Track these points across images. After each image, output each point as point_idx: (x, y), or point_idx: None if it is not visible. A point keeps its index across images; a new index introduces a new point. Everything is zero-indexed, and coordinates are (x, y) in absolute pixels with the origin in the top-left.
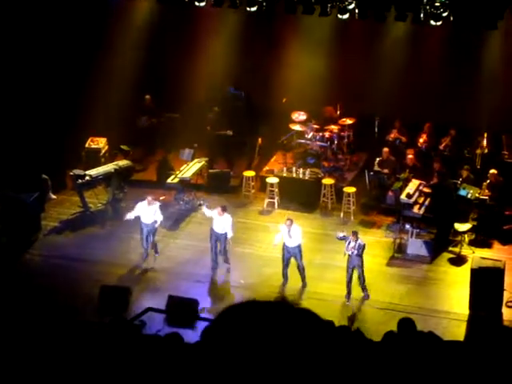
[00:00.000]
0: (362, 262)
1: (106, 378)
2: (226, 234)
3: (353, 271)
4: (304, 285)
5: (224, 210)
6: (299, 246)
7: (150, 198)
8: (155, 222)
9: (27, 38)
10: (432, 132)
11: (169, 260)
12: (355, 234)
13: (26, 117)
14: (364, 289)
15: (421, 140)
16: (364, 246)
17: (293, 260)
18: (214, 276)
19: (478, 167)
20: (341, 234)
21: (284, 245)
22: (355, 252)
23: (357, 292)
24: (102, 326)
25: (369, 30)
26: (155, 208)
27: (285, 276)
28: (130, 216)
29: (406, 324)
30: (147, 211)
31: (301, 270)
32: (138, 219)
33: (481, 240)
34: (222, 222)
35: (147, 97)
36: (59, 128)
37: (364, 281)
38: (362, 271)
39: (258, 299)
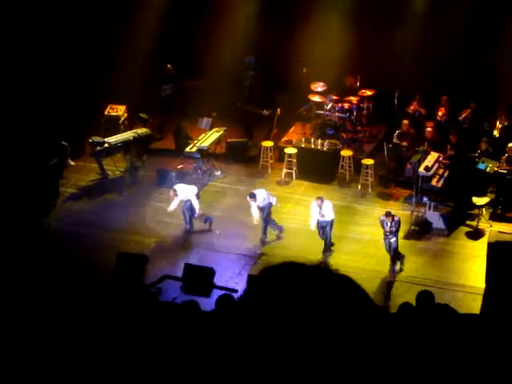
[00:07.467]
0: (398, 237)
1: (123, 342)
2: (269, 204)
3: (390, 244)
4: (325, 256)
5: (252, 196)
6: (332, 220)
7: (171, 192)
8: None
9: (50, 5)
10: (449, 105)
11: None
12: (389, 214)
13: (46, 83)
14: (394, 263)
15: (439, 113)
16: (400, 220)
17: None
18: (233, 244)
19: (498, 141)
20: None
21: (317, 220)
22: (393, 229)
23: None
24: (120, 291)
25: (390, 1)
26: (185, 195)
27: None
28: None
29: (425, 296)
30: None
31: (327, 240)
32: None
33: (499, 214)
34: (260, 197)
35: (169, 65)
36: (79, 95)
37: (396, 255)
38: (397, 245)
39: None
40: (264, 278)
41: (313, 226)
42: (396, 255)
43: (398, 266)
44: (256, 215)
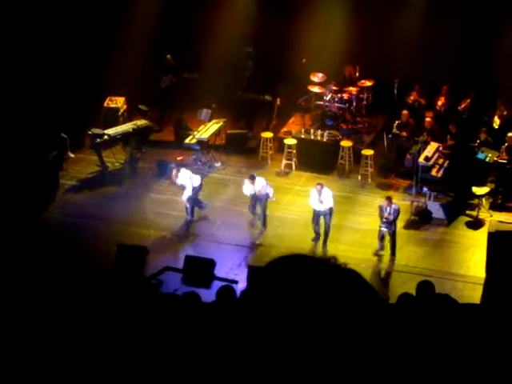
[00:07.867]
0: (396, 227)
1: (123, 334)
2: (266, 195)
3: (385, 233)
4: (325, 246)
5: (252, 178)
6: (331, 209)
7: (174, 171)
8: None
9: None
10: (450, 94)
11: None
12: (389, 199)
13: (45, 76)
14: (393, 254)
15: (439, 103)
16: (399, 209)
17: (321, 220)
18: (234, 235)
19: (497, 130)
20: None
21: (314, 209)
22: (391, 217)
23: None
24: (120, 283)
25: None
26: (183, 181)
27: (316, 232)
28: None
29: (425, 287)
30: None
31: (327, 231)
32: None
33: (498, 203)
34: (259, 183)
35: (168, 56)
36: (78, 87)
37: (395, 246)
38: (395, 236)
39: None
40: (270, 270)
41: (315, 206)
42: (394, 245)
43: (380, 252)
44: (247, 192)
